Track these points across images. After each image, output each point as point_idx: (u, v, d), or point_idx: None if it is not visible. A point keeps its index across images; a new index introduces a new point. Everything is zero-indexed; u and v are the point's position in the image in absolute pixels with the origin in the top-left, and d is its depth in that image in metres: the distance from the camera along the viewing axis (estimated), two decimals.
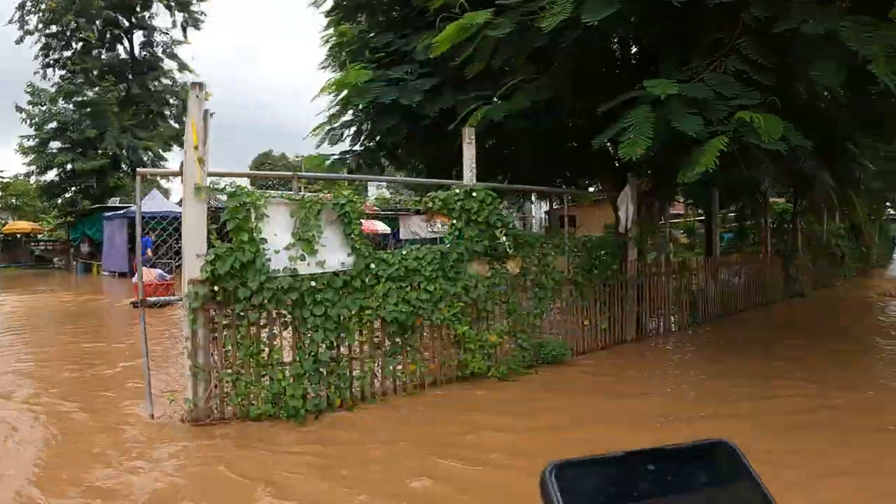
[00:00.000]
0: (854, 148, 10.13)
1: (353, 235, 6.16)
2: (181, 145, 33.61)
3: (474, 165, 7.11)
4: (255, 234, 5.57)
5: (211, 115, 5.74)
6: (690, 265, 10.61)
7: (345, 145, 11.13)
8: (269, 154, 55.35)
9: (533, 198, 21.66)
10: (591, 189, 12.95)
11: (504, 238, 6.88)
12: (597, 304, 8.27)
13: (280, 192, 6.44)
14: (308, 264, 5.89)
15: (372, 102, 9.16)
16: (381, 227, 26.63)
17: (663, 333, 9.37)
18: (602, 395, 6.47)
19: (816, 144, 8.40)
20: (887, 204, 30.53)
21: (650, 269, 9.32)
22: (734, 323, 10.77)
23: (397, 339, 6.46)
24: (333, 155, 11.08)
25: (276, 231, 5.83)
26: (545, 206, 24.57)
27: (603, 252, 8.26)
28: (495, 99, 8.17)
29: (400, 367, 6.46)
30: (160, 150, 33.46)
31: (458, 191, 6.88)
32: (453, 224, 6.86)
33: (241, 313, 5.58)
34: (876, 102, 7.74)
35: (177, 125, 33.32)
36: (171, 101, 34.40)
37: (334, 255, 6.11)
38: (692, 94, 6.02)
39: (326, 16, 11.62)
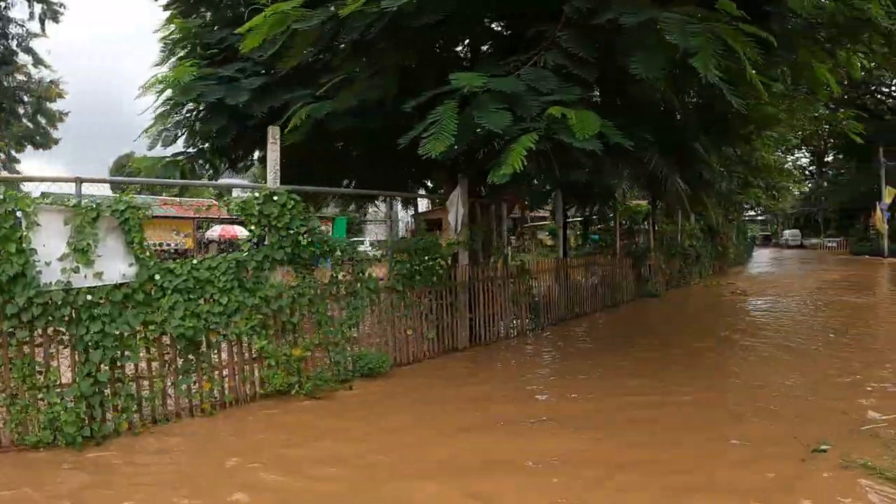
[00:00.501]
0: (703, 151, 10.51)
1: (135, 244, 5.58)
2: (36, 146, 31.08)
3: (278, 168, 6.66)
4: (23, 245, 4.99)
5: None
6: (532, 268, 10.61)
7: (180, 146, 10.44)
8: (130, 155, 51.93)
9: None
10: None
11: (305, 244, 6.48)
12: (421, 312, 8.03)
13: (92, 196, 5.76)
14: (84, 276, 5.30)
15: (200, 101, 8.60)
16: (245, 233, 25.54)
17: (500, 340, 9.25)
18: (418, 406, 6.21)
19: (666, 145, 8.83)
20: (746, 206, 32.89)
21: (485, 273, 9.18)
22: (579, 325, 10.93)
23: (190, 356, 5.92)
24: (167, 157, 10.32)
25: (49, 240, 5.20)
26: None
27: (428, 257, 8.02)
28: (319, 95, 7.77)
29: (196, 385, 5.93)
30: (12, 151, 30.61)
31: (257, 195, 6.43)
32: (251, 230, 6.41)
33: (11, 331, 4.99)
34: (718, 105, 7.88)
35: (31, 124, 30.61)
36: (25, 98, 31.56)
37: (115, 265, 5.51)
38: (501, 88, 5.81)
39: (165, 9, 10.81)
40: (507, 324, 9.56)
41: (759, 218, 76.03)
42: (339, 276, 7.09)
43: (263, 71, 8.46)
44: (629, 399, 6.13)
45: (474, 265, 9.03)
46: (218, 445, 5.24)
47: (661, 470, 4.35)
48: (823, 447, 4.51)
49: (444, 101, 5.94)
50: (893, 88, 41.91)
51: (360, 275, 7.27)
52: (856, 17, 6.56)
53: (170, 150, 10.22)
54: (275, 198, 6.41)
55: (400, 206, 17.51)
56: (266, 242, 6.45)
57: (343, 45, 7.48)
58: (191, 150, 10.42)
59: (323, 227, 7.59)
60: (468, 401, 6.28)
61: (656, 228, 16.86)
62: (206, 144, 10.23)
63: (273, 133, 6.73)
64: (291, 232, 6.44)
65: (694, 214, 21.21)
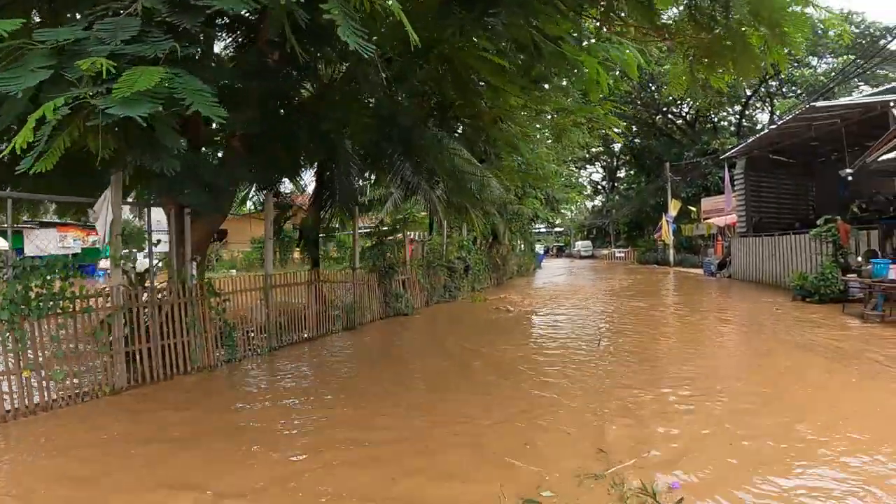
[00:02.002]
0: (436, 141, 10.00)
1: None
2: None
3: None
4: None
5: None
6: (229, 287, 9.23)
7: None
8: None
9: None
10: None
11: None
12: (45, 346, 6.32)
13: None
14: None
15: None
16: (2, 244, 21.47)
17: (173, 377, 7.69)
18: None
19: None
20: (534, 218, 34.27)
21: (156, 295, 7.64)
22: (295, 352, 9.70)
23: None
24: None
25: None
26: None
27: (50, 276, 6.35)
28: None
29: None
30: None
31: None
32: None
33: None
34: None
35: None
36: None
37: None
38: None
39: None
40: (193, 356, 8.03)
41: (558, 230, 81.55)
42: None
43: None
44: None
45: (138, 285, 7.49)
46: None
47: None
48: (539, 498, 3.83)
49: None
50: (684, 111, 46.58)
51: None
52: None
53: None
54: None
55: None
56: None
57: None
58: None
59: None
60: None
61: (416, 240, 16.36)
62: None
63: None
64: None
65: (467, 225, 21.33)
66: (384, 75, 7.71)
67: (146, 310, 7.64)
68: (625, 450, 4.72)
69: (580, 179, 63.09)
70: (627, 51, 7.71)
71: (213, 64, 6.91)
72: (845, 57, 30.67)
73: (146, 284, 7.96)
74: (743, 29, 6.67)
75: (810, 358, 8.14)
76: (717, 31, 7.02)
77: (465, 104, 9.56)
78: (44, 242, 25.67)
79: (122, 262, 7.30)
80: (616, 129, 15.38)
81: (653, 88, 42.16)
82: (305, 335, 10.78)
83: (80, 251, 27.74)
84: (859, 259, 13.06)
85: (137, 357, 7.36)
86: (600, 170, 68.98)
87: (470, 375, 7.81)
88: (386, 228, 14.29)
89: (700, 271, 28.16)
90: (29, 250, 24.84)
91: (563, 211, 40.60)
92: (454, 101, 9.61)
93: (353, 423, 5.70)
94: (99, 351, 6.91)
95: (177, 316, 7.88)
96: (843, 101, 16.40)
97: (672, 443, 4.92)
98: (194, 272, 8.47)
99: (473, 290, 20.01)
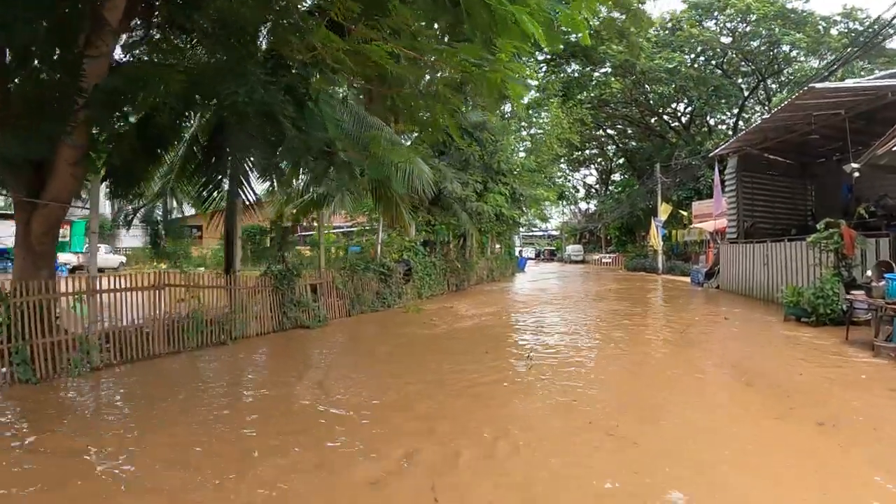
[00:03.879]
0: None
1: None
2: None
3: None
4: None
5: None
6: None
7: None
8: None
9: None
10: None
11: None
12: None
13: None
14: None
15: None
16: None
17: None
18: None
19: None
20: (499, 217, 31.47)
21: None
22: (116, 375, 7.22)
23: None
24: None
25: None
26: None
27: None
28: None
29: None
30: None
31: None
32: None
33: None
34: None
35: None
36: None
37: None
38: None
39: None
40: None
41: (553, 233, 78.86)
42: None
43: None
44: None
45: None
46: None
47: None
48: None
49: None
50: (681, 113, 44.26)
51: None
52: None
53: None
54: None
55: None
56: None
57: None
58: None
59: None
60: None
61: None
62: None
63: None
64: None
65: (415, 224, 18.78)
66: None
67: None
68: None
69: (570, 181, 60.71)
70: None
71: None
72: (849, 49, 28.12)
73: None
74: None
75: (813, 439, 5.13)
76: None
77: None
78: (2, 237, 23.06)
79: None
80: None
81: (647, 88, 39.89)
82: (161, 350, 8.57)
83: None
84: (868, 273, 10.34)
85: None
86: (595, 172, 66.60)
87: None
88: (287, 225, 11.73)
89: (689, 279, 25.54)
90: None
91: (541, 211, 37.69)
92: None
93: None
94: None
95: None
96: (848, 83, 13.79)
97: None
98: None
99: (420, 297, 17.44)
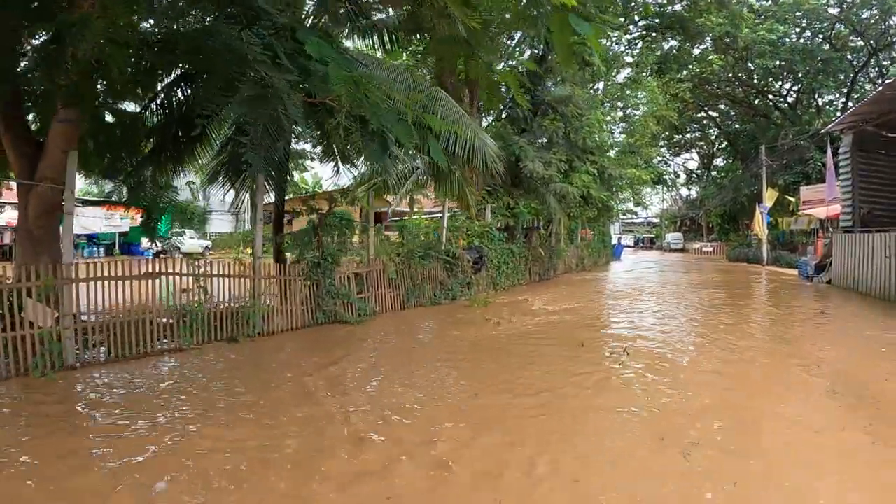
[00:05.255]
0: None
1: None
2: None
3: None
4: None
5: None
6: None
7: None
8: None
9: None
10: None
11: None
12: None
13: None
14: None
15: None
16: None
17: None
18: None
19: None
20: (606, 206, 28.80)
21: None
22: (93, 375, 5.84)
23: None
24: None
25: None
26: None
27: None
28: None
29: None
30: None
31: None
32: None
33: None
34: None
35: None
36: None
37: None
38: None
39: None
40: None
41: (653, 220, 74.63)
42: None
43: None
44: None
45: None
46: None
47: None
48: None
49: None
50: (787, 92, 39.93)
51: None
52: None
53: None
54: None
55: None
56: None
57: None
58: None
59: None
60: None
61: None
62: None
63: None
64: None
65: (490, 207, 16.83)
66: None
67: None
68: None
69: (670, 166, 56.83)
70: None
71: None
72: None
73: None
74: None
75: None
76: None
77: None
78: (89, 221, 23.44)
79: None
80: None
81: (750, 67, 35.65)
82: (162, 346, 7.56)
83: (128, 230, 25.44)
84: None
85: None
86: (696, 157, 61.83)
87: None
88: (320, 208, 10.03)
89: (796, 272, 21.97)
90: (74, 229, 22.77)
91: (637, 196, 34.48)
92: None
93: None
94: None
95: None
96: None
97: None
98: None
99: (495, 287, 15.48)
